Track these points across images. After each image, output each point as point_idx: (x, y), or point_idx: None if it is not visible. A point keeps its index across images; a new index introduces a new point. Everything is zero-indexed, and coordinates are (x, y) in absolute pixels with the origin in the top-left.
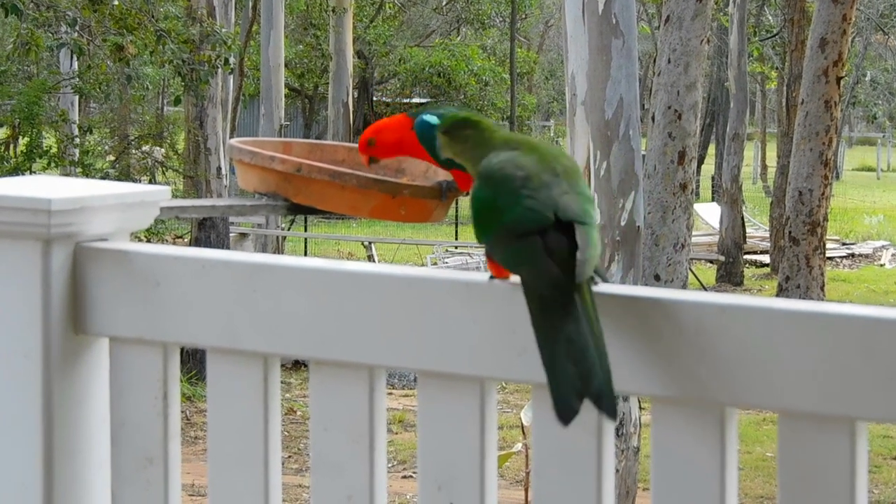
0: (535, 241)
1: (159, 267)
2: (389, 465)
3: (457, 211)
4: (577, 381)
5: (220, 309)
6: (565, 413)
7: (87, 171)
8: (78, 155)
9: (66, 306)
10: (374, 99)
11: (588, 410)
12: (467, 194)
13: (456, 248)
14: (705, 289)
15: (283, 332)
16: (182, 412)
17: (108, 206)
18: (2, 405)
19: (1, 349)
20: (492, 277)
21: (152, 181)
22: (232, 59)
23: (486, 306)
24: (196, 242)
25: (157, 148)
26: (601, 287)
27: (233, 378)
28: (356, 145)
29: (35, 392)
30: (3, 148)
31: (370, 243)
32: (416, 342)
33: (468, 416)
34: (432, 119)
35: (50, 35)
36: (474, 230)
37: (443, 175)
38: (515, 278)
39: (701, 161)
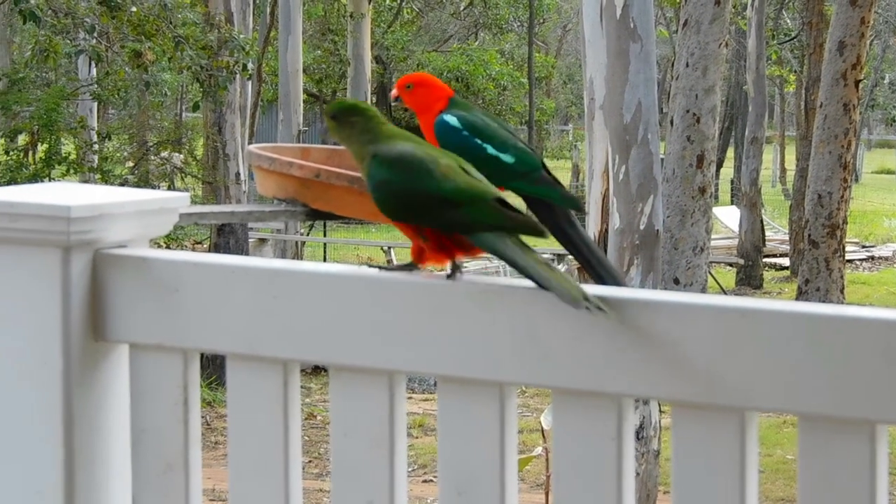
0: (487, 202)
1: (179, 273)
2: (409, 470)
3: None
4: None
5: (240, 315)
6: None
7: (106, 178)
8: (97, 161)
9: (86, 313)
10: (393, 104)
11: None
12: None
13: None
14: (725, 292)
15: (302, 337)
16: (202, 417)
17: (128, 212)
18: (23, 412)
19: (21, 356)
20: (413, 264)
21: (171, 187)
22: (250, 65)
23: (505, 311)
24: (215, 248)
25: (176, 154)
26: (622, 292)
27: (253, 384)
28: None
29: (55, 399)
30: (22, 154)
31: (389, 248)
32: (435, 347)
33: (488, 421)
34: (452, 121)
35: (68, 42)
36: (392, 213)
37: None
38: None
39: (720, 165)
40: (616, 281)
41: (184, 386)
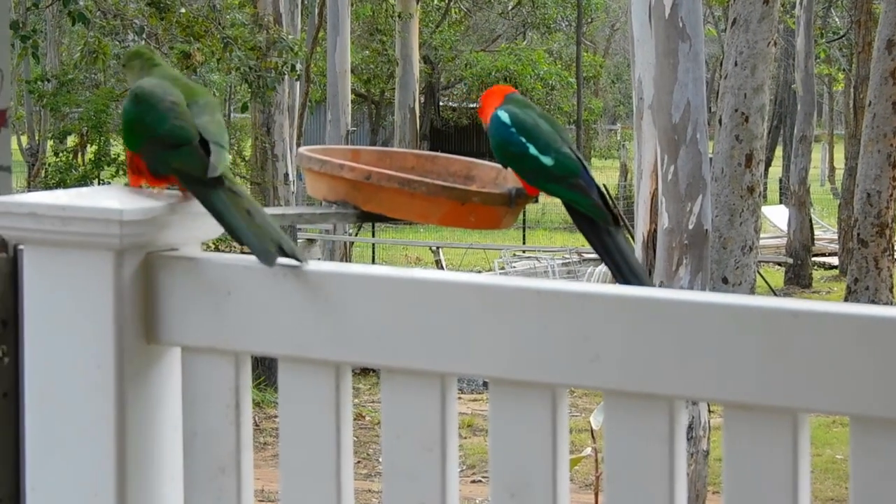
0: (189, 148)
1: (230, 276)
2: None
3: (524, 216)
4: (267, 240)
5: (292, 318)
6: (267, 258)
7: None
8: None
9: (138, 316)
10: (441, 104)
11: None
12: (536, 200)
13: (524, 252)
14: (773, 291)
15: (354, 340)
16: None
17: (179, 215)
18: (76, 415)
19: (74, 359)
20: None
21: None
22: (298, 66)
23: (557, 313)
24: None
25: None
26: (671, 294)
27: (304, 387)
28: (425, 152)
29: (108, 402)
30: (71, 156)
31: (438, 248)
32: (487, 349)
33: (540, 423)
34: (504, 116)
35: (117, 43)
36: (124, 139)
37: (512, 181)
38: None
39: (768, 164)
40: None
41: (235, 389)
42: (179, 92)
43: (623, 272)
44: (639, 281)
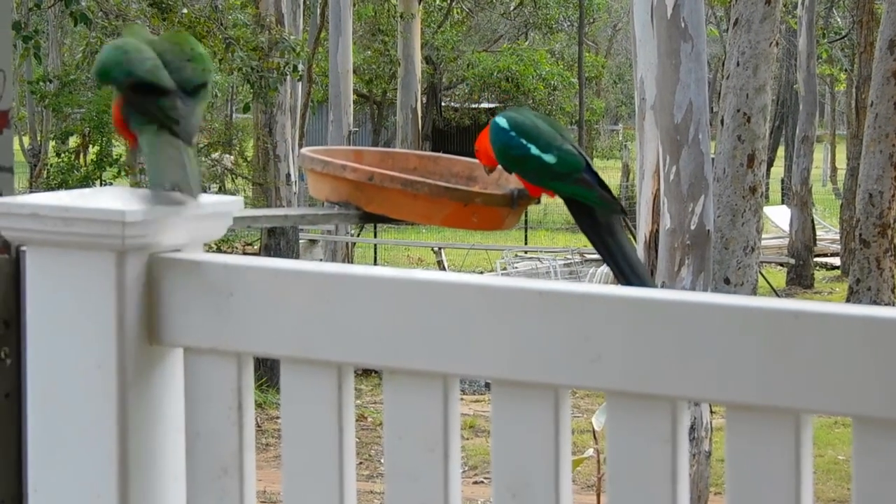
0: (146, 98)
1: (232, 277)
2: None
3: (526, 216)
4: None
5: (294, 319)
6: (155, 194)
7: None
8: None
9: (141, 317)
10: (443, 104)
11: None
12: (538, 202)
13: (525, 252)
14: (776, 292)
15: (356, 341)
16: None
17: (182, 217)
18: (78, 416)
19: (76, 360)
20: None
21: (222, 188)
22: (300, 66)
23: (559, 314)
24: (266, 249)
25: (227, 155)
26: (673, 294)
27: (306, 387)
28: (427, 153)
29: (110, 403)
30: (73, 156)
31: (440, 248)
32: (489, 350)
33: (542, 424)
34: (502, 122)
35: None
36: (97, 77)
37: (514, 182)
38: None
39: (770, 164)
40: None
41: (238, 390)
42: (164, 43)
43: (624, 271)
44: (639, 280)
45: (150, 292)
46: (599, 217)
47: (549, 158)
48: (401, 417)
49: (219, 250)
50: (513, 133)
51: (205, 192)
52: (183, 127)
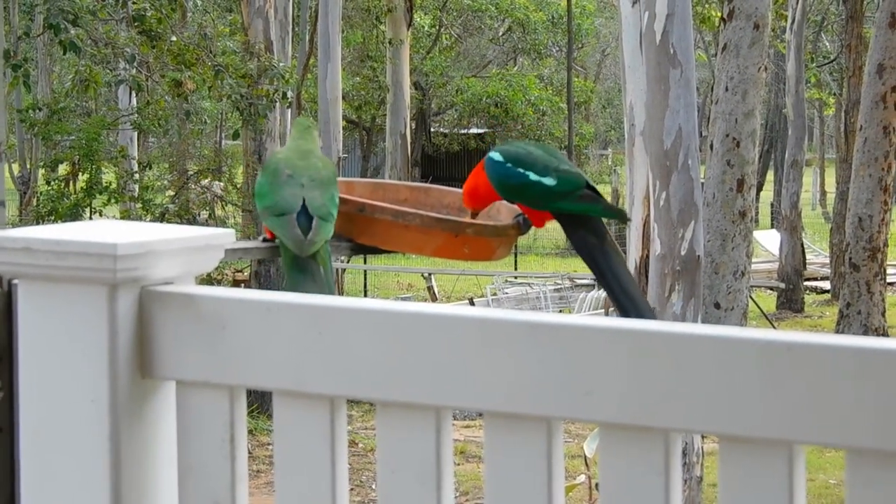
0: (288, 219)
1: (225, 310)
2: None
3: (516, 241)
4: None
5: (286, 351)
6: None
7: (147, 207)
8: (137, 190)
9: (133, 350)
10: (432, 130)
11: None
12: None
13: (515, 278)
14: (766, 316)
15: (349, 373)
16: None
17: (174, 250)
18: (70, 449)
19: (68, 394)
20: (264, 238)
21: (211, 215)
22: (290, 93)
23: (551, 346)
24: (256, 276)
25: (216, 182)
26: (665, 326)
27: (299, 420)
28: (419, 184)
29: (103, 436)
30: (63, 184)
31: (430, 274)
32: (482, 383)
33: (535, 455)
34: (496, 156)
35: (108, 71)
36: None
37: (506, 212)
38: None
39: (760, 188)
40: (639, 312)
41: (230, 423)
42: (303, 164)
43: (615, 293)
44: (631, 301)
45: (143, 325)
46: (591, 240)
47: (549, 181)
48: (394, 451)
49: (209, 277)
50: (508, 164)
51: (195, 219)
52: None
